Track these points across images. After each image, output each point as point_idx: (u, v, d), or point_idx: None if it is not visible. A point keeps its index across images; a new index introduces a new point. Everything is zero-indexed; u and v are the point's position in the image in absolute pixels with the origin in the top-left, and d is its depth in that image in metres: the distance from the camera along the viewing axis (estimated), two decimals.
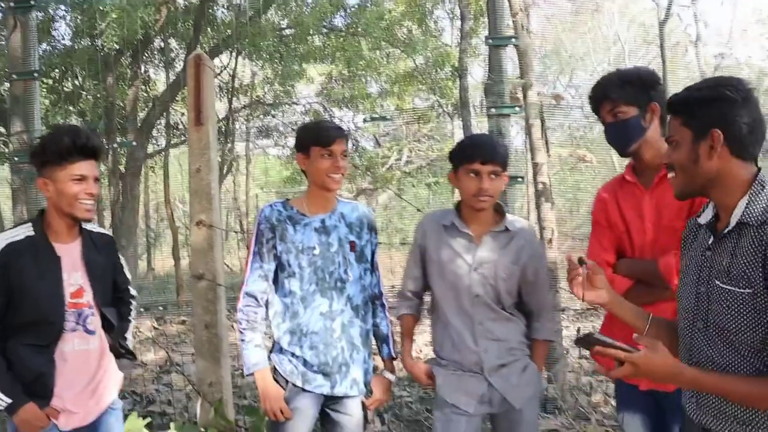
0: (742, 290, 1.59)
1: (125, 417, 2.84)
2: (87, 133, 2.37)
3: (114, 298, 2.54)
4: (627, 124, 2.35)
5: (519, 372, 2.52)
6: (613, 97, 2.35)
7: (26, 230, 2.34)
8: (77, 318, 2.37)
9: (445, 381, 2.54)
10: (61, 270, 2.33)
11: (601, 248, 2.49)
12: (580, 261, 1.90)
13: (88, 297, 2.39)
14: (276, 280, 2.66)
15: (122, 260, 2.65)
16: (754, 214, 1.60)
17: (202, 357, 3.49)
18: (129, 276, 2.67)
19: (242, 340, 2.62)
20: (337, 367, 2.59)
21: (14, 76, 4.24)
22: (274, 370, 2.62)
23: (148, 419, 3.66)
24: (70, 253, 2.37)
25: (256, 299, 2.62)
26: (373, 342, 2.79)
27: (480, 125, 8.86)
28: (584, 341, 1.68)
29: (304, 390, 2.58)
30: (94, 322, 2.42)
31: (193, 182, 3.46)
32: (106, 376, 2.45)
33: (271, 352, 2.67)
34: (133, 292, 2.69)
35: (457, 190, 2.64)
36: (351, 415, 2.65)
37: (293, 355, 2.59)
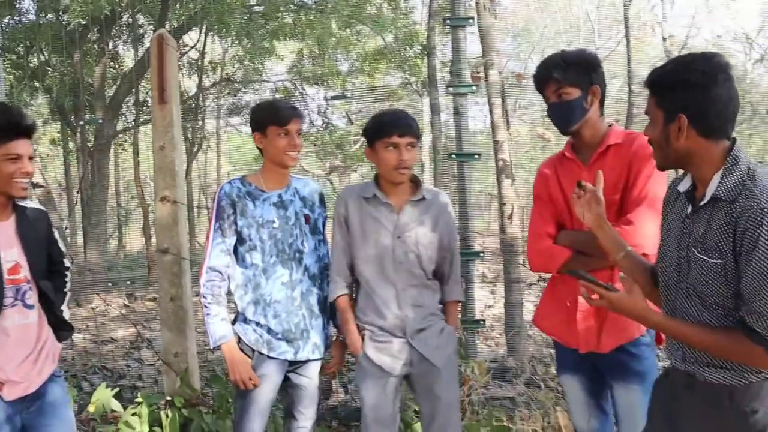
0: (714, 260, 1.73)
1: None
2: (20, 111, 2.39)
3: (49, 271, 2.57)
4: (570, 104, 2.47)
5: (437, 334, 2.71)
6: (557, 78, 2.45)
7: None
8: (15, 293, 2.40)
9: (370, 345, 2.69)
10: None
11: (543, 221, 2.64)
12: (579, 184, 2.16)
13: (24, 272, 2.42)
14: (236, 254, 2.76)
15: (56, 233, 2.67)
16: (727, 190, 1.72)
17: (168, 329, 3.59)
18: (63, 248, 2.71)
19: (207, 314, 2.72)
20: (299, 333, 2.74)
21: None
22: (239, 340, 2.73)
23: (117, 389, 3.77)
24: (5, 231, 2.40)
25: (221, 273, 2.72)
26: None
27: (447, 103, 8.96)
28: (574, 274, 1.90)
29: (269, 357, 2.71)
30: (32, 296, 2.45)
31: (157, 159, 3.54)
32: (45, 347, 2.50)
33: (234, 323, 2.78)
34: (67, 263, 2.72)
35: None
36: (311, 377, 2.81)
37: (258, 324, 2.71)
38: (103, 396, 3.53)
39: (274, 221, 2.73)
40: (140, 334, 6.85)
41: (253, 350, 2.71)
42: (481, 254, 4.04)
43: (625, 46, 8.87)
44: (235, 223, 2.72)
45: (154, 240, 11.67)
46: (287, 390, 2.86)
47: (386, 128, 2.63)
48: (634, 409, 2.35)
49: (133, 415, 3.37)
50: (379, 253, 2.67)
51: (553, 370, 4.58)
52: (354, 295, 2.83)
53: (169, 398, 3.50)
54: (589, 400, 2.58)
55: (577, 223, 2.56)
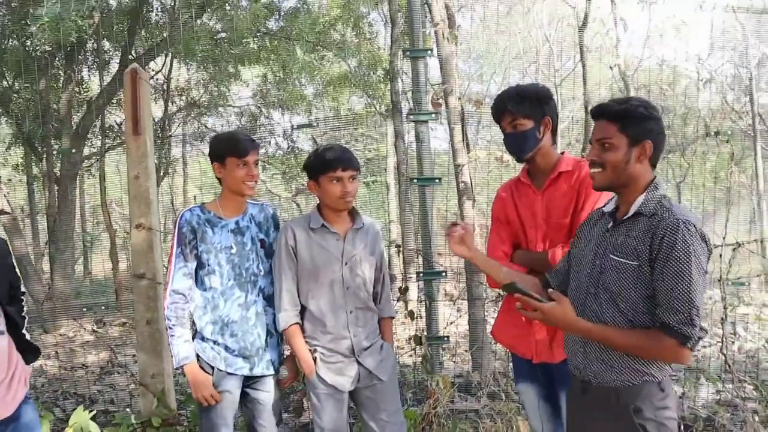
0: (630, 262, 2.06)
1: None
2: None
3: (10, 297, 2.64)
4: (524, 135, 2.70)
5: (378, 350, 2.95)
6: (512, 111, 2.69)
7: None
8: None
9: (322, 367, 2.90)
10: None
11: (500, 241, 2.86)
12: (454, 223, 2.51)
13: None
14: (195, 277, 2.93)
15: (13, 260, 2.75)
16: (648, 207, 2.08)
17: (144, 351, 3.72)
18: (18, 274, 2.78)
19: (172, 336, 2.87)
20: (255, 351, 2.92)
21: None
22: (198, 358, 2.90)
23: (93, 412, 3.86)
24: None
25: (184, 296, 2.89)
26: None
27: (411, 126, 9.21)
28: (509, 288, 2.10)
29: (228, 373, 2.88)
30: (1, 322, 2.54)
31: (132, 188, 3.68)
32: (17, 370, 2.59)
33: (192, 340, 2.94)
34: (23, 288, 2.79)
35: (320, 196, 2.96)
36: (269, 391, 3.00)
37: (215, 342, 2.89)
38: (81, 419, 3.63)
39: (231, 247, 2.92)
40: (113, 358, 6.89)
41: (212, 367, 2.88)
42: (444, 273, 4.24)
43: (581, 69, 9.24)
44: (196, 248, 2.89)
45: (122, 265, 11.67)
46: (247, 405, 3.03)
47: (330, 163, 2.85)
48: None
49: None
50: (330, 279, 2.89)
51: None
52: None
53: (146, 419, 3.61)
54: (544, 405, 2.80)
55: (531, 243, 2.79)
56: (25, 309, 2.78)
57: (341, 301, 2.89)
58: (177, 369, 2.89)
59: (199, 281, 2.92)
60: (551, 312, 2.05)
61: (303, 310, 2.95)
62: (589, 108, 8.61)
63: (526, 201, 2.82)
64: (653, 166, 2.15)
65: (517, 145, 2.74)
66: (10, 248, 2.77)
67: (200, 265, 2.91)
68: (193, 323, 2.95)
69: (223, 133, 3.15)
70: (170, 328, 2.87)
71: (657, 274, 2.00)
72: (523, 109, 2.69)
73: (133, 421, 3.61)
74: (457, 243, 2.55)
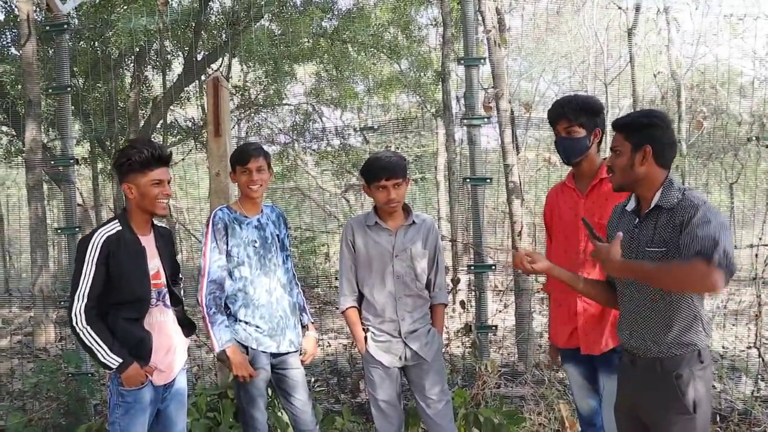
0: (660, 249, 2.38)
1: None
2: (160, 144, 2.89)
3: (174, 279, 3.05)
4: (576, 141, 3.03)
5: (425, 334, 3.30)
6: (570, 118, 3.01)
7: (115, 225, 2.86)
8: (158, 295, 2.91)
9: (372, 344, 3.30)
10: (146, 258, 2.87)
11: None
12: (515, 249, 2.70)
13: (163, 278, 2.93)
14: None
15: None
16: (667, 200, 2.40)
17: None
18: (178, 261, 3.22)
19: (213, 322, 3.22)
20: (279, 331, 3.33)
21: (50, 90, 4.81)
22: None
23: None
24: (149, 243, 2.91)
25: (221, 285, 3.27)
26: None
27: (461, 128, 9.47)
28: (585, 222, 2.54)
29: (261, 351, 3.28)
30: (168, 298, 2.97)
31: (213, 184, 4.10)
32: (179, 341, 3.01)
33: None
34: (180, 275, 3.20)
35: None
36: (297, 368, 3.41)
37: (248, 323, 3.28)
38: None
39: (256, 241, 3.34)
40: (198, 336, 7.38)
41: (246, 347, 3.26)
42: (493, 267, 4.53)
43: (630, 69, 9.36)
44: (226, 243, 3.29)
45: (179, 256, 12.22)
46: (280, 387, 3.41)
47: (375, 173, 3.20)
48: (614, 392, 2.88)
49: (193, 404, 3.89)
50: (382, 269, 3.28)
51: (558, 373, 5.05)
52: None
53: (222, 390, 4.02)
54: (587, 384, 3.11)
55: (574, 242, 3.10)
56: (182, 291, 3.18)
57: (391, 288, 3.26)
58: (219, 352, 3.20)
59: (228, 272, 3.31)
60: (601, 250, 2.39)
61: (361, 296, 3.34)
62: (637, 108, 8.77)
63: (570, 203, 3.13)
64: (663, 167, 2.43)
65: (569, 150, 3.06)
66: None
67: (229, 259, 3.29)
68: (227, 307, 3.31)
69: (240, 145, 3.53)
70: (210, 315, 3.21)
71: (682, 240, 2.27)
72: (580, 119, 3.00)
73: (212, 392, 4.01)
74: (531, 263, 2.65)
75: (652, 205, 2.43)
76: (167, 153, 2.90)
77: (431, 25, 13.00)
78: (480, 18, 5.52)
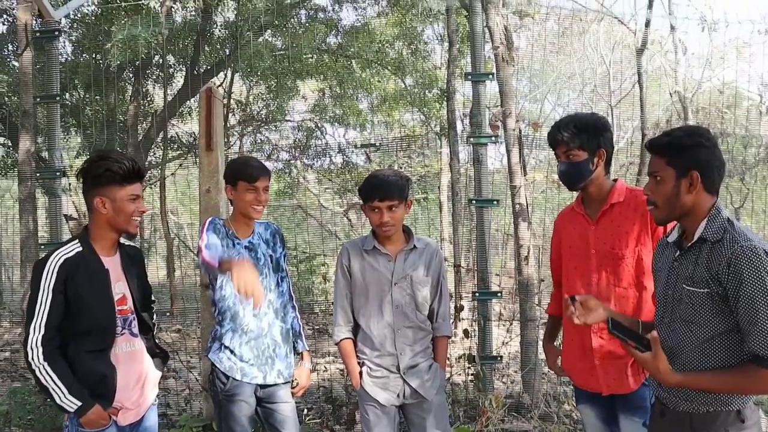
0: (702, 290, 2.04)
1: None
2: (136, 159, 2.66)
3: (143, 304, 2.81)
4: (577, 166, 2.76)
5: (426, 370, 3.01)
6: (567, 142, 2.75)
7: (74, 246, 2.59)
8: (123, 323, 2.64)
9: (368, 380, 3.01)
10: (110, 281, 2.60)
11: (554, 269, 2.98)
12: (572, 299, 2.35)
13: (129, 304, 2.67)
14: (214, 284, 3.10)
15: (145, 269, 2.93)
16: (711, 233, 2.06)
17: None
18: (149, 283, 2.96)
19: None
20: (265, 360, 3.06)
21: (38, 99, 4.61)
22: (213, 368, 3.05)
23: None
24: (114, 266, 2.65)
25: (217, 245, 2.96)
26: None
27: (466, 147, 9.28)
28: (609, 327, 2.10)
29: (243, 382, 3.01)
30: (136, 326, 2.70)
31: (203, 201, 3.87)
32: (149, 374, 2.74)
33: (208, 352, 3.09)
34: (153, 297, 2.97)
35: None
36: (287, 401, 3.13)
37: (232, 352, 3.02)
38: None
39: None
40: (168, 364, 7.11)
41: (228, 377, 3.01)
42: (499, 294, 4.30)
43: (638, 91, 9.17)
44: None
45: (177, 273, 12.00)
46: (269, 422, 3.14)
47: (369, 192, 2.96)
48: None
49: None
50: (379, 298, 3.01)
51: (566, 406, 4.79)
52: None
53: (207, 423, 3.76)
54: (602, 426, 2.84)
55: (585, 272, 2.84)
56: (154, 317, 2.94)
57: (389, 319, 3.00)
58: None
59: (220, 288, 3.08)
60: (644, 363, 2.03)
61: (357, 326, 3.07)
62: (645, 131, 8.55)
63: (579, 230, 2.88)
64: (711, 193, 2.11)
65: (570, 176, 2.80)
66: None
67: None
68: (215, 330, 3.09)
69: (239, 158, 3.29)
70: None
71: (734, 305, 1.98)
72: (578, 141, 2.74)
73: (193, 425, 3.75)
74: (584, 315, 2.35)
75: (696, 237, 2.11)
76: (143, 167, 2.69)
77: (437, 41, 12.85)
78: (488, 33, 5.33)
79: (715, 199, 2.12)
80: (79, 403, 2.47)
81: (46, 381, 2.46)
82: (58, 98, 4.59)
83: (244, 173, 3.04)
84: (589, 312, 2.32)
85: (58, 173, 4.52)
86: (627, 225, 2.72)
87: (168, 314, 10.95)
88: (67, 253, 2.55)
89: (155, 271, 16.06)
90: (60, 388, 2.46)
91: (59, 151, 4.62)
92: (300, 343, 3.26)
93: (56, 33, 4.54)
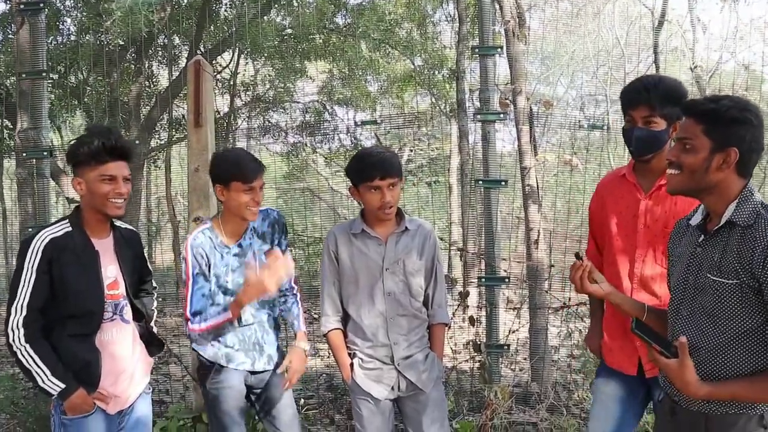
0: (729, 281, 1.80)
1: None
2: (118, 134, 2.49)
3: (139, 289, 2.70)
4: (655, 135, 2.46)
5: (422, 361, 2.80)
6: (653, 105, 2.43)
7: (64, 226, 2.47)
8: (114, 308, 2.53)
9: (359, 372, 2.80)
10: (99, 264, 2.48)
11: (596, 249, 2.74)
12: (577, 256, 2.16)
13: (121, 289, 2.55)
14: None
15: (145, 254, 2.79)
16: (743, 216, 1.82)
17: None
18: (150, 268, 2.83)
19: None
20: (252, 346, 2.85)
21: (23, 75, 4.41)
22: (199, 357, 2.86)
23: None
24: (106, 248, 2.53)
25: (202, 315, 2.78)
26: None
27: (475, 126, 9.04)
28: (634, 328, 1.88)
29: (229, 368, 2.82)
30: (128, 312, 2.58)
31: (191, 181, 3.66)
32: (140, 362, 2.63)
33: (192, 343, 2.90)
34: (154, 284, 2.86)
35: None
36: (276, 386, 2.92)
37: (216, 339, 2.83)
38: None
39: (236, 269, 2.84)
40: (169, 349, 6.96)
41: (213, 364, 2.82)
42: (507, 279, 4.08)
43: (654, 71, 8.88)
44: (209, 271, 2.80)
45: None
46: (264, 410, 2.96)
47: (368, 171, 2.69)
48: None
49: (162, 429, 3.45)
50: (370, 285, 2.78)
51: (575, 396, 4.58)
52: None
53: (197, 414, 3.58)
54: (615, 407, 2.61)
55: (630, 247, 2.58)
56: (155, 303, 2.83)
57: (381, 308, 2.78)
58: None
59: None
60: (669, 371, 1.82)
61: (346, 315, 2.87)
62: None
63: (629, 200, 2.60)
64: (743, 175, 1.88)
65: (646, 143, 2.49)
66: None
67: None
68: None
69: (228, 152, 2.95)
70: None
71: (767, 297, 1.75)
72: (665, 108, 2.43)
73: (183, 416, 3.57)
74: (586, 280, 2.20)
75: (723, 221, 1.86)
76: (127, 145, 2.47)
77: (446, 21, 12.57)
78: (498, 7, 5.07)
79: (746, 182, 1.88)
80: (63, 386, 2.39)
81: (28, 363, 2.38)
82: (44, 74, 4.38)
83: (238, 173, 2.73)
84: (589, 281, 2.17)
85: (44, 153, 4.32)
86: (683, 204, 2.41)
87: (173, 298, 10.82)
88: (55, 232, 2.46)
89: (161, 255, 16.00)
90: (42, 370, 2.38)
91: (45, 129, 4.42)
92: (296, 324, 3.03)
93: (41, 5, 4.32)
